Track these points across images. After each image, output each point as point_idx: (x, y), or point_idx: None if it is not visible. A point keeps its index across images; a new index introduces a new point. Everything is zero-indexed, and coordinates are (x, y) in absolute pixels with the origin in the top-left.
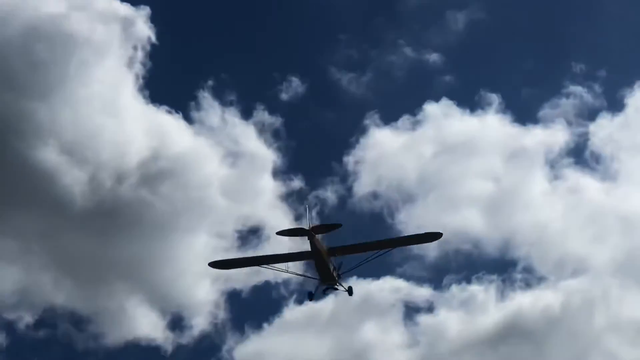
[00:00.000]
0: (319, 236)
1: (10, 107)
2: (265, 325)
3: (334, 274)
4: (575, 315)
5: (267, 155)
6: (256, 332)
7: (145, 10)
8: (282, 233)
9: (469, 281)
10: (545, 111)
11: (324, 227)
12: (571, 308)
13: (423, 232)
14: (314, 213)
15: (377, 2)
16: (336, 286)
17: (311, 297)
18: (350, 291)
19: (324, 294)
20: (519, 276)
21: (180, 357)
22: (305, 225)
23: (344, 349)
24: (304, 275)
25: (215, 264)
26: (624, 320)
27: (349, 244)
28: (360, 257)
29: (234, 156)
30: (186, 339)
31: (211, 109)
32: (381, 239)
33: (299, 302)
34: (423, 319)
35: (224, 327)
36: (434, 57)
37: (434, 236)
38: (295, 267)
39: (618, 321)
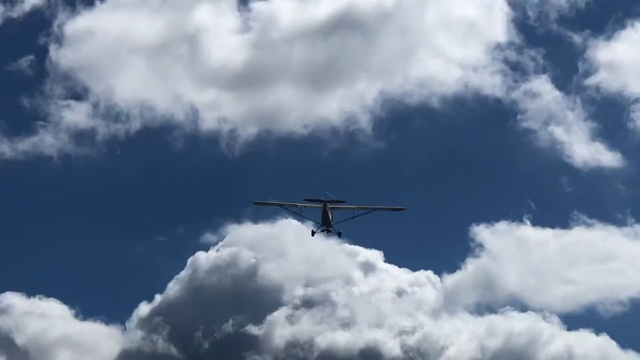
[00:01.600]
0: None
1: None
2: (97, 2)
3: (330, 221)
4: (408, 10)
5: None
6: (88, 9)
7: None
8: (307, 200)
9: None
10: None
11: (333, 201)
12: (404, 3)
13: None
14: None
15: None
16: (330, 229)
17: (313, 234)
18: (339, 235)
19: (321, 232)
20: None
21: (10, 31)
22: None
23: (176, 31)
24: (309, 219)
25: (256, 203)
26: (454, 19)
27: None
28: (348, 214)
29: None
30: (16, 12)
31: None
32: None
33: None
34: (257, 5)
35: (56, 2)
36: None
37: (398, 209)
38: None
39: (448, 19)
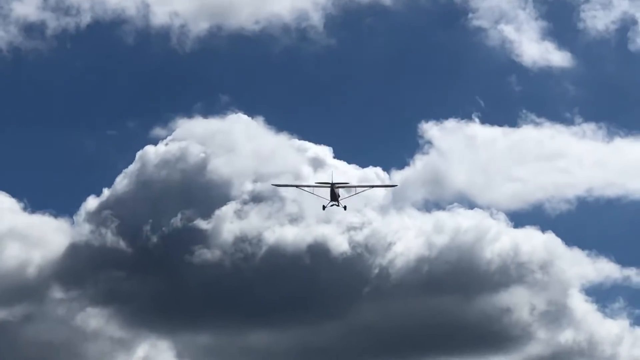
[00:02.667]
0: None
1: None
2: None
3: (337, 198)
4: None
5: None
6: None
7: None
8: (319, 184)
9: None
10: None
11: (339, 184)
12: None
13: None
14: None
15: None
16: (337, 204)
17: (324, 208)
18: (345, 208)
19: (330, 206)
20: None
21: None
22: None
23: None
24: (320, 196)
25: (276, 185)
26: None
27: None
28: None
29: None
30: None
31: None
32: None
33: None
34: None
35: None
36: None
37: (391, 186)
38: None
39: None
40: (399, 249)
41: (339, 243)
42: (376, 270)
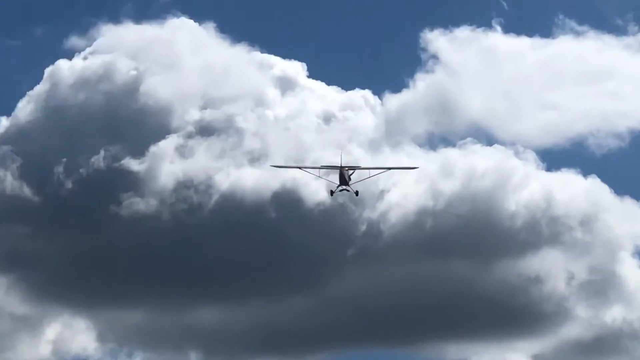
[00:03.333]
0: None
1: None
2: None
3: (348, 182)
4: None
5: None
6: None
7: None
8: (325, 167)
9: None
10: None
11: (347, 167)
12: None
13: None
14: None
15: None
16: (348, 189)
17: (332, 193)
18: (356, 193)
19: (340, 192)
20: None
21: None
22: (338, 164)
23: None
24: (328, 180)
25: (276, 167)
26: None
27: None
28: (363, 174)
29: None
30: None
31: None
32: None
33: None
34: None
35: None
36: None
37: (411, 168)
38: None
39: None
40: (394, 198)
41: (315, 190)
42: (363, 227)
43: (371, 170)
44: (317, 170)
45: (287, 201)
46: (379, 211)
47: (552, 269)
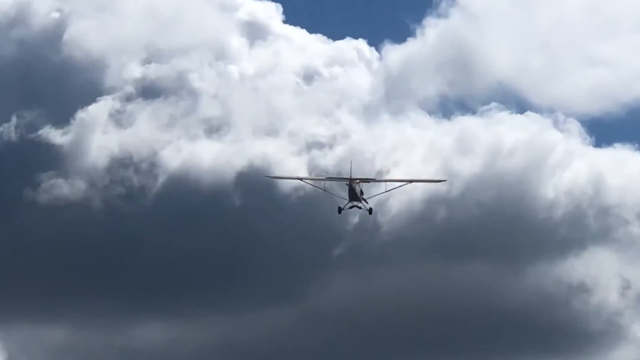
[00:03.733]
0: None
1: None
2: None
3: (359, 197)
4: None
5: None
6: None
7: None
8: (331, 179)
9: None
10: None
11: (358, 179)
12: None
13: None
14: None
15: None
16: (360, 205)
17: (340, 210)
18: (370, 211)
19: (350, 209)
20: None
21: None
22: (347, 176)
23: None
24: (333, 194)
25: (273, 177)
26: None
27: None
28: (381, 188)
29: None
30: None
31: None
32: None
33: None
34: None
35: None
36: None
37: (438, 181)
38: (330, 188)
39: None
40: (397, 178)
41: (295, 168)
42: (355, 220)
43: (388, 183)
44: (322, 182)
45: (255, 185)
46: (376, 199)
47: (602, 274)
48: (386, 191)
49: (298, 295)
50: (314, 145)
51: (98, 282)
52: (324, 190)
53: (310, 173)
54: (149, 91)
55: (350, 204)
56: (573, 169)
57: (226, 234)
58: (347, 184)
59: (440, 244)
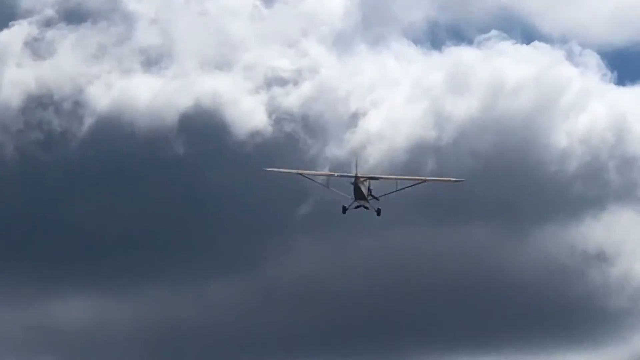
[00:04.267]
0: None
1: None
2: None
3: (366, 197)
4: None
5: None
6: None
7: None
8: (335, 175)
9: None
10: None
11: (365, 177)
12: None
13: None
14: None
15: None
16: (366, 205)
17: (344, 210)
18: (378, 212)
19: (356, 209)
20: None
21: None
22: (354, 172)
23: None
24: (339, 193)
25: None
26: None
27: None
28: (391, 186)
29: None
30: None
31: None
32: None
33: None
34: None
35: None
36: None
37: (456, 181)
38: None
39: None
40: (374, 125)
41: (249, 112)
42: (325, 169)
43: (398, 182)
44: (326, 178)
45: (203, 129)
46: (350, 146)
47: (625, 241)
48: (397, 190)
49: (253, 264)
50: (274, 81)
51: (8, 246)
52: (327, 187)
53: (271, 118)
54: (73, 15)
55: (356, 204)
56: (590, 111)
57: (166, 190)
58: (352, 183)
59: (429, 203)
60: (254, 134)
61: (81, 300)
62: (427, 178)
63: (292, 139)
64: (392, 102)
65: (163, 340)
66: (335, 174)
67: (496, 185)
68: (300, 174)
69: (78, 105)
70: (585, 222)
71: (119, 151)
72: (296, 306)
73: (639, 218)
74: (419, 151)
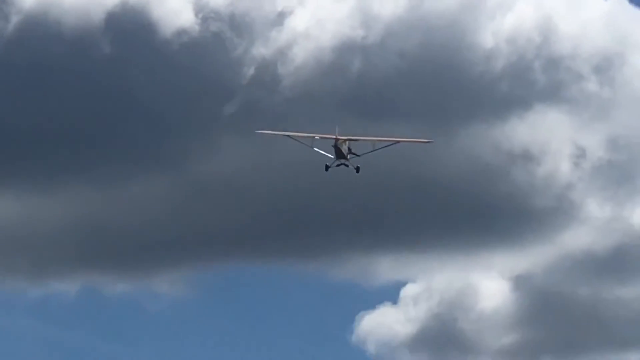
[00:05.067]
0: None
1: None
2: None
3: (346, 155)
4: None
5: None
6: None
7: None
8: (321, 137)
9: None
10: None
11: (344, 138)
12: None
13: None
14: None
15: None
16: (347, 163)
17: (327, 168)
18: (357, 169)
19: (337, 167)
20: None
21: None
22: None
23: None
24: (323, 153)
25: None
26: None
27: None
28: (367, 147)
29: None
30: None
31: None
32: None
33: None
34: None
35: None
36: None
37: (425, 142)
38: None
39: None
40: (301, 24)
41: (176, 10)
42: (250, 71)
43: (376, 143)
44: (310, 139)
45: (129, 27)
46: (276, 45)
47: (551, 140)
48: (373, 150)
49: (179, 163)
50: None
51: None
52: (311, 147)
53: (198, 17)
54: None
55: (337, 162)
56: (517, 11)
57: (92, 88)
58: (332, 145)
59: (354, 102)
60: (181, 32)
61: (5, 197)
62: (400, 139)
63: (219, 38)
64: (319, 0)
65: (87, 238)
66: (316, 136)
67: (422, 84)
68: (289, 136)
69: (4, 3)
70: (510, 122)
71: (45, 49)
72: (222, 205)
73: (564, 118)
74: (345, 50)
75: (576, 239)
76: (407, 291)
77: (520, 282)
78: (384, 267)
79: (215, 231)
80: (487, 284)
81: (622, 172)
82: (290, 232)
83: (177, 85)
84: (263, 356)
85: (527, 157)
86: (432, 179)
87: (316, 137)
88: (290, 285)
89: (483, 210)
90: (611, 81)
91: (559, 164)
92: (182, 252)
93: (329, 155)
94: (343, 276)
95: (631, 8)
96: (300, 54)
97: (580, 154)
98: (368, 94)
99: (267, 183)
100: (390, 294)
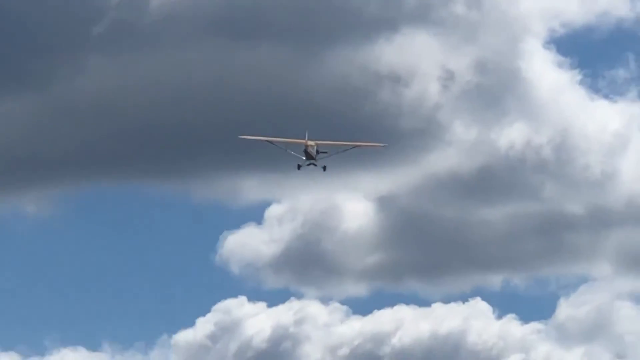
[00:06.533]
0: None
1: None
2: None
3: (314, 156)
4: None
5: None
6: None
7: None
8: (292, 142)
9: None
10: None
11: (309, 142)
12: None
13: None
14: None
15: None
16: (315, 163)
17: (299, 167)
18: (324, 168)
19: (307, 166)
20: None
21: None
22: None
23: None
24: (296, 155)
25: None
26: None
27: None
28: (332, 149)
29: None
30: None
31: None
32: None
33: None
34: None
35: None
36: None
37: (380, 146)
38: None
39: None
40: None
41: None
42: None
43: (338, 147)
44: (285, 144)
45: None
46: None
47: (417, 62)
48: (337, 153)
49: (44, 83)
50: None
51: None
52: (286, 150)
53: None
54: None
55: (307, 162)
56: None
57: None
58: (303, 150)
59: (224, 22)
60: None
61: None
62: (358, 144)
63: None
64: None
65: None
66: (289, 140)
67: (289, 4)
68: (269, 142)
69: None
70: (377, 43)
71: None
72: (88, 125)
73: (432, 40)
74: None
75: (442, 160)
76: (272, 212)
77: (384, 203)
78: (249, 187)
79: (82, 151)
80: (352, 204)
81: (489, 95)
82: (155, 153)
83: (44, 4)
84: (127, 276)
85: (393, 79)
86: (299, 100)
87: (289, 141)
88: (155, 205)
89: (349, 131)
90: (479, 4)
91: (425, 86)
92: (48, 172)
93: (302, 157)
94: (208, 196)
95: None
96: None
97: (447, 77)
98: (237, 16)
99: (133, 104)
100: (255, 214)
